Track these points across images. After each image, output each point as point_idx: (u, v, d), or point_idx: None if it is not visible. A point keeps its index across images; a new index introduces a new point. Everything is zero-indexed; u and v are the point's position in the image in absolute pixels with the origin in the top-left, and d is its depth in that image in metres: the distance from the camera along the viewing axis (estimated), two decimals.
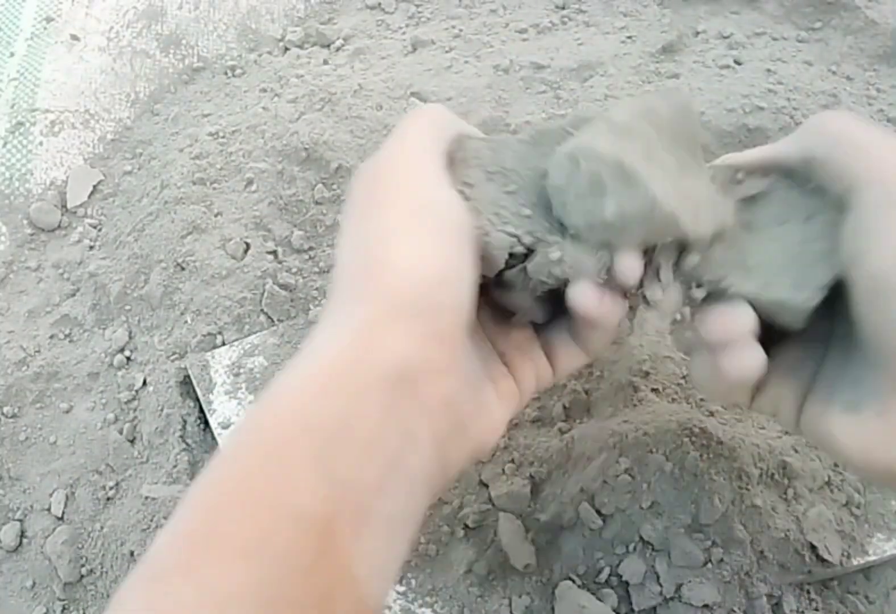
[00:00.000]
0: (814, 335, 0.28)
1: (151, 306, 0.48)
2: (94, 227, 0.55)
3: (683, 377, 0.42)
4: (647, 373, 0.43)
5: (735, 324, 0.26)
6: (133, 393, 0.46)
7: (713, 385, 0.29)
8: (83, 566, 0.41)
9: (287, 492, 0.20)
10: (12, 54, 0.62)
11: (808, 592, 0.38)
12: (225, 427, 0.43)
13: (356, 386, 0.22)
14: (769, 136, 0.49)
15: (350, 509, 0.21)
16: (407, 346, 0.23)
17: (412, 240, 0.24)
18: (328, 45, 0.62)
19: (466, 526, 0.39)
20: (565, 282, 0.27)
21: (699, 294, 0.27)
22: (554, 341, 0.30)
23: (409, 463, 0.22)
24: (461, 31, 0.61)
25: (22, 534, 0.43)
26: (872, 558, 0.38)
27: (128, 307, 0.49)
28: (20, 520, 0.43)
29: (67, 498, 0.43)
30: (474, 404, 0.26)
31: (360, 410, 0.22)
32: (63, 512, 0.43)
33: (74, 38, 0.63)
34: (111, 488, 0.43)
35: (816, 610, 0.37)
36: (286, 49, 0.63)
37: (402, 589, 0.38)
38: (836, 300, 0.26)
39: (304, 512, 0.20)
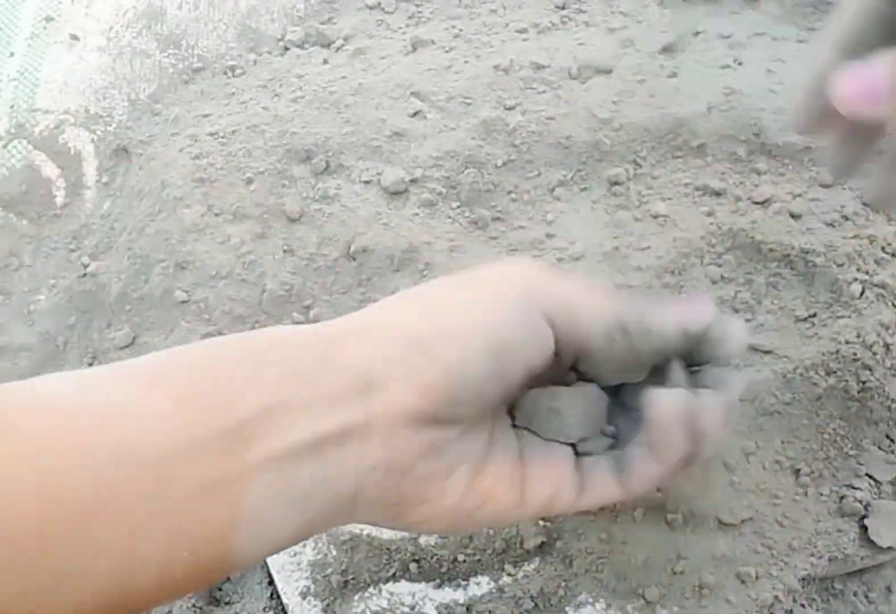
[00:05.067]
0: None
1: (151, 306, 0.48)
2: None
3: None
4: None
5: None
6: None
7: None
8: None
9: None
10: (12, 54, 0.62)
11: (808, 591, 0.38)
12: None
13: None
14: (769, 136, 0.49)
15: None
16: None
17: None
18: (328, 45, 0.62)
19: None
20: None
21: None
22: (593, 467, 0.28)
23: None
24: (461, 31, 0.61)
25: None
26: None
27: (128, 307, 0.49)
28: None
29: None
30: (428, 479, 0.25)
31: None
32: None
33: (74, 37, 0.63)
34: None
35: (817, 610, 0.37)
36: (286, 49, 0.63)
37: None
38: None
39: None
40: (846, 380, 0.40)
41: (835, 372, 0.40)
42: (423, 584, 0.38)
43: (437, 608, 0.37)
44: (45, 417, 0.21)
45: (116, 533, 0.20)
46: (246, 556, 0.23)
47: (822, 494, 0.39)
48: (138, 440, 0.21)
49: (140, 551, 0.20)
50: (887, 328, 0.40)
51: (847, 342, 0.40)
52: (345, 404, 0.24)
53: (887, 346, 0.40)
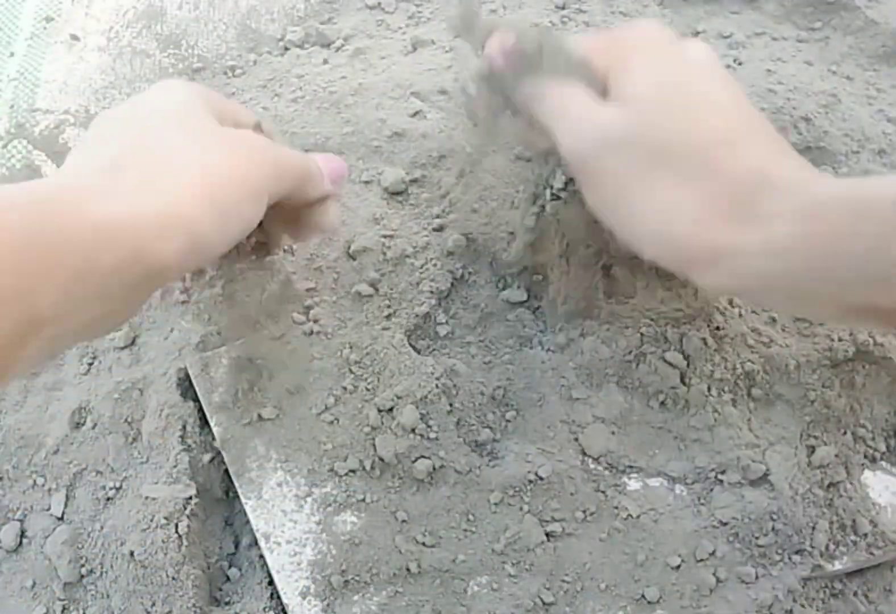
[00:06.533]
0: None
1: (151, 306, 0.48)
2: None
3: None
4: None
5: None
6: None
7: None
8: (83, 566, 0.41)
9: None
10: (12, 54, 0.62)
11: (808, 591, 0.38)
12: (225, 427, 0.43)
13: None
14: None
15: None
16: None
17: None
18: (328, 45, 0.62)
19: None
20: None
21: None
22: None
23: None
24: None
25: (22, 534, 0.43)
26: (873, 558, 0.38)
27: None
28: (20, 520, 0.43)
29: (67, 498, 0.43)
30: None
31: None
32: (63, 512, 0.43)
33: (74, 38, 0.63)
34: (111, 488, 0.43)
35: (817, 609, 0.37)
36: (286, 49, 0.63)
37: None
38: None
39: None
40: (839, 377, 0.40)
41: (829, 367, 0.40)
42: (424, 584, 0.38)
43: (437, 608, 0.37)
44: None
45: None
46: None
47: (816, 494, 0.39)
48: None
49: None
50: None
51: (840, 339, 0.41)
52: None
53: (878, 345, 0.40)
